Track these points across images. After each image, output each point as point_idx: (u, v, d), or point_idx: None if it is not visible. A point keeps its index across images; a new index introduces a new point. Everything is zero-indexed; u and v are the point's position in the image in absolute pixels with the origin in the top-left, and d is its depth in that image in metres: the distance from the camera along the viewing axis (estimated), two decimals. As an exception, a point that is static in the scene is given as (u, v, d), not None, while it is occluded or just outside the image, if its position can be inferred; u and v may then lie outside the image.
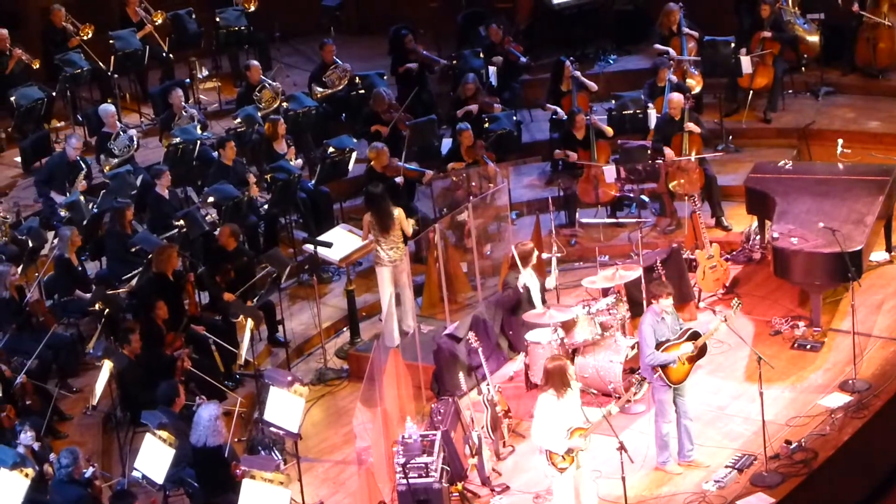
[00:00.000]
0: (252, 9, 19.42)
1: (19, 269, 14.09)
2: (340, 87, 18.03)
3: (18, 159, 17.59)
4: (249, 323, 13.31)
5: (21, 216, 15.83)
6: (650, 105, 16.87)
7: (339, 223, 15.61)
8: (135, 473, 11.36)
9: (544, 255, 14.48)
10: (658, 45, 18.01)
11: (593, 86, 17.58)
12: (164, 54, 19.03)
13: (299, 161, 16.47)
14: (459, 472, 12.18)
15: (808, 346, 13.70)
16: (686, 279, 14.53)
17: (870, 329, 13.75)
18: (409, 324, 14.45)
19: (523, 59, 18.56)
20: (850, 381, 12.89)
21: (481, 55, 18.24)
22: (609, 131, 16.59)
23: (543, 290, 14.02)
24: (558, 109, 17.31)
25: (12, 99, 17.44)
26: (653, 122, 16.65)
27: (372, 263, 14.68)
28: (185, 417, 12.13)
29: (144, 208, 15.42)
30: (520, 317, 13.73)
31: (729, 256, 15.38)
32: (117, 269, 14.59)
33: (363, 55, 20.07)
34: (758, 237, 15.47)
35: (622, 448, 10.78)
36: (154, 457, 11.17)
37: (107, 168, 16.49)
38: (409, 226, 14.51)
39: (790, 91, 18.37)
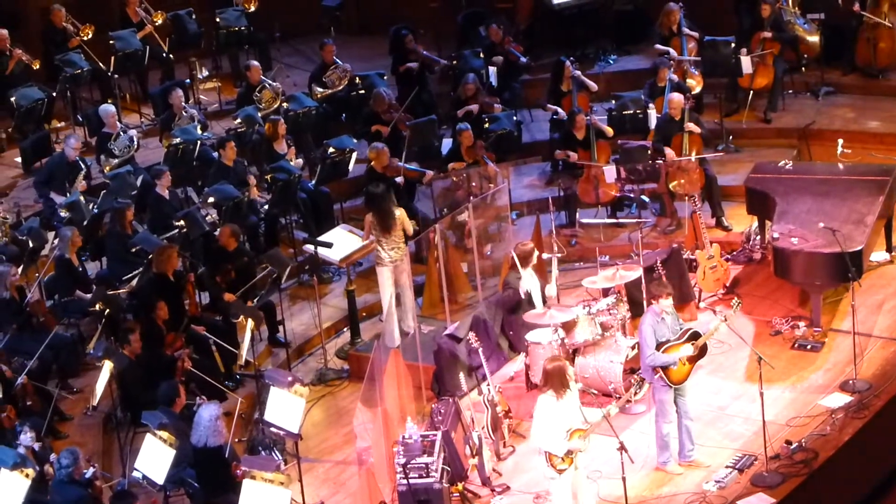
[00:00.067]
0: (252, 9, 19.40)
1: (20, 270, 14.07)
2: (340, 88, 18.02)
3: (19, 160, 17.58)
4: (250, 323, 13.30)
5: (21, 216, 15.83)
6: (650, 105, 16.85)
7: (339, 223, 15.61)
8: (135, 474, 11.35)
9: (545, 256, 14.45)
10: (658, 46, 17.99)
11: (593, 86, 17.56)
12: (164, 54, 19.02)
13: (299, 161, 16.46)
14: (460, 472, 12.17)
15: (809, 347, 13.69)
16: (686, 279, 14.52)
17: (870, 329, 13.74)
18: (410, 324, 14.43)
19: (523, 59, 18.54)
20: (851, 382, 12.89)
21: (481, 55, 18.22)
22: (609, 131, 16.57)
23: (544, 290, 14.02)
24: (558, 109, 17.29)
25: (12, 99, 17.43)
26: (653, 123, 16.64)
27: (372, 264, 14.68)
28: (185, 418, 12.13)
29: (145, 209, 15.41)
30: (520, 317, 13.71)
31: (729, 256, 15.37)
32: (118, 269, 14.58)
33: (363, 55, 20.05)
34: (758, 237, 15.46)
35: (622, 448, 10.77)
36: (154, 457, 11.16)
37: (107, 168, 16.49)
38: (411, 226, 14.51)
39: (790, 91, 18.36)
